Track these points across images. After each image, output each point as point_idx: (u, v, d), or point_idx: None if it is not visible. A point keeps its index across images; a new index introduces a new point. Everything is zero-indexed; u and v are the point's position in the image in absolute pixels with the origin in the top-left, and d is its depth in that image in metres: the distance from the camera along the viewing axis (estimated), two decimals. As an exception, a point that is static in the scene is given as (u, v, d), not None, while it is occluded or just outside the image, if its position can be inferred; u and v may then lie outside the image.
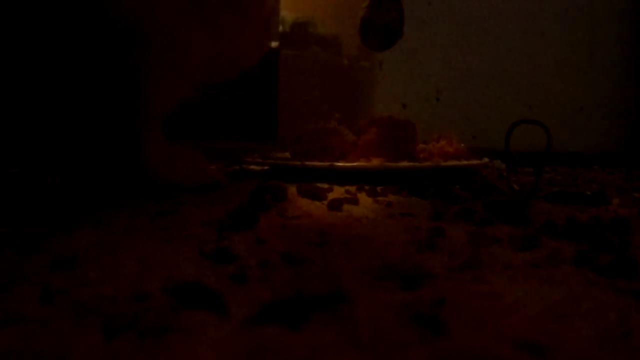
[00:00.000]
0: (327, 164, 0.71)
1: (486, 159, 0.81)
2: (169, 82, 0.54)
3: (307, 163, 0.71)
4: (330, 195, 0.54)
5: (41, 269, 0.27)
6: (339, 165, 0.70)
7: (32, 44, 0.48)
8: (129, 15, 0.49)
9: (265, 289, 0.24)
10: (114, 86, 0.52)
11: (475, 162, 0.77)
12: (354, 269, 0.28)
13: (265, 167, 0.83)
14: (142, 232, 0.37)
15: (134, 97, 0.53)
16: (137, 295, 0.22)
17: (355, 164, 0.70)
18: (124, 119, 0.54)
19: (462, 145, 0.78)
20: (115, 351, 0.18)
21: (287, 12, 1.51)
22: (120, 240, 0.34)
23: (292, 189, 0.57)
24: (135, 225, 0.39)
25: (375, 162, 0.70)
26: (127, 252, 0.31)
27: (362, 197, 0.55)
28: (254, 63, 0.66)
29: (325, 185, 0.62)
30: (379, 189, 0.59)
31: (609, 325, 0.20)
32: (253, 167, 0.87)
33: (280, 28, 1.56)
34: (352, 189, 0.61)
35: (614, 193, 0.60)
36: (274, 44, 1.61)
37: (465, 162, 0.74)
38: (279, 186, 0.58)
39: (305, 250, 0.32)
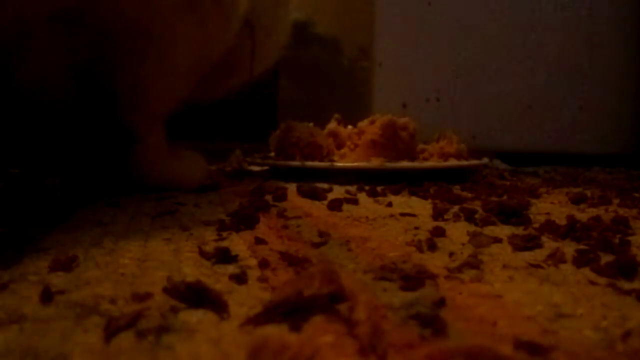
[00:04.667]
0: (327, 164, 0.71)
1: (486, 159, 0.81)
2: (169, 81, 0.55)
3: (307, 163, 0.71)
4: (330, 195, 0.54)
5: (41, 269, 0.27)
6: (339, 166, 0.70)
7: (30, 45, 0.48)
8: (132, 13, 0.49)
9: (265, 289, 0.24)
10: (115, 85, 0.52)
11: (475, 162, 0.77)
12: (354, 269, 0.28)
13: (265, 168, 0.83)
14: (142, 232, 0.37)
15: (135, 97, 0.53)
16: (137, 295, 0.22)
17: (355, 164, 0.70)
18: (124, 118, 0.54)
19: (462, 145, 0.78)
20: (115, 351, 0.18)
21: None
22: (120, 240, 0.34)
23: (292, 189, 0.57)
24: (135, 225, 0.39)
25: (375, 162, 0.70)
26: (127, 252, 0.31)
27: (362, 197, 0.55)
28: (246, 79, 0.67)
29: (325, 185, 0.62)
30: (379, 189, 0.59)
31: (609, 325, 0.20)
32: (253, 167, 0.87)
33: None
34: (352, 189, 0.61)
35: (614, 193, 0.60)
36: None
37: (465, 162, 0.74)
38: (279, 186, 0.58)
39: (305, 250, 0.32)
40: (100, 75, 0.52)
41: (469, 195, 0.57)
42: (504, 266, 0.28)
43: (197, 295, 0.22)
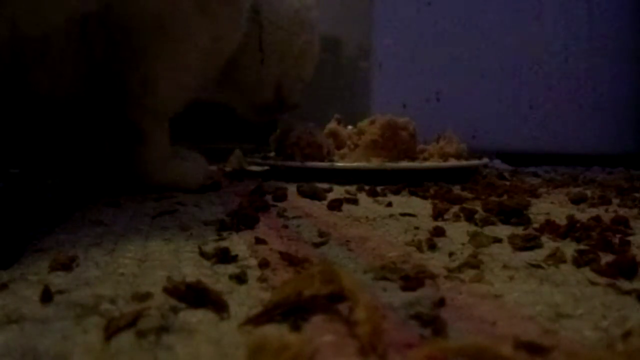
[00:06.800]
0: (327, 164, 0.71)
1: (486, 159, 0.81)
2: (179, 80, 0.55)
3: (307, 163, 0.71)
4: (330, 195, 0.54)
5: (41, 269, 0.27)
6: (339, 166, 0.70)
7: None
8: (153, 10, 0.49)
9: (265, 289, 0.24)
10: (125, 84, 0.52)
11: (475, 162, 0.77)
12: (354, 269, 0.28)
13: (265, 168, 0.83)
14: (142, 232, 0.37)
15: (145, 96, 0.53)
16: (137, 295, 0.22)
17: (355, 164, 0.70)
18: (132, 117, 0.54)
19: (462, 145, 0.78)
20: (115, 351, 0.18)
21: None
22: (120, 240, 0.34)
23: (292, 189, 0.57)
24: (135, 225, 0.39)
25: (375, 162, 0.70)
26: (127, 252, 0.31)
27: (362, 197, 0.55)
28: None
29: (325, 185, 0.62)
30: (379, 189, 0.59)
31: (609, 325, 0.20)
32: (253, 167, 0.87)
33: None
34: (352, 189, 0.61)
35: (614, 193, 0.60)
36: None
37: (465, 162, 0.74)
38: (279, 186, 0.58)
39: (305, 250, 0.32)
40: (111, 75, 0.52)
41: (469, 195, 0.57)
42: (504, 266, 0.28)
43: (197, 295, 0.22)
